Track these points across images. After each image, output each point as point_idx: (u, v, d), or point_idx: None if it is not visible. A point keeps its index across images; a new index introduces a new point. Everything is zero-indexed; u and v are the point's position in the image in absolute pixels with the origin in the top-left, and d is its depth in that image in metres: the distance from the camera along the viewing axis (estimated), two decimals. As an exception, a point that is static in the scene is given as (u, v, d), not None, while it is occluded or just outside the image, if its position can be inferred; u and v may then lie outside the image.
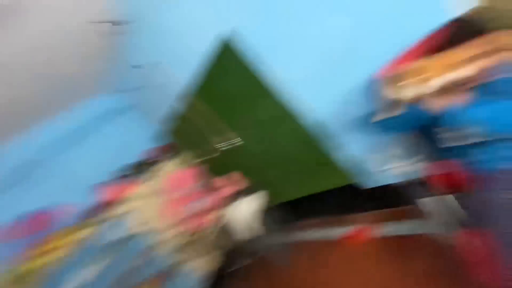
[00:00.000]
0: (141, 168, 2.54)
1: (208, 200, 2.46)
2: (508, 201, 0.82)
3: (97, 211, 2.19)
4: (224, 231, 2.36)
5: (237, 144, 2.19)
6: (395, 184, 1.57)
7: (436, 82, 0.79)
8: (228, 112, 2.10)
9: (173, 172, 2.59)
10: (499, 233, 0.81)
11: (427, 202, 1.01)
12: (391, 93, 0.88)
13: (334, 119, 1.58)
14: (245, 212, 2.19)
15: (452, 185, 1.07)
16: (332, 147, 1.70)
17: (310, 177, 1.98)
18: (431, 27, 0.96)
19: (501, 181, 0.85)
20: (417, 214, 1.54)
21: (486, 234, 0.85)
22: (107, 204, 2.24)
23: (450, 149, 0.95)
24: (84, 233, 2.06)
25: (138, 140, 2.83)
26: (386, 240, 1.67)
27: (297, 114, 1.67)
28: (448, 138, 0.93)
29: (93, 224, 2.11)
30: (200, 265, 2.44)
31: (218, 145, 2.35)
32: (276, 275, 2.06)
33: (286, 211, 2.34)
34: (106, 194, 2.30)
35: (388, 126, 1.04)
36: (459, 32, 0.82)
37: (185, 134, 2.63)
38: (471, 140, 0.87)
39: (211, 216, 2.42)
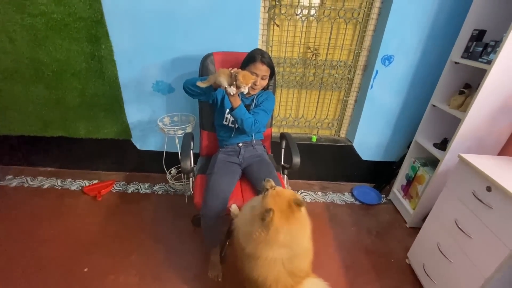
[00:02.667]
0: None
1: None
2: (217, 160, 1.49)
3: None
4: None
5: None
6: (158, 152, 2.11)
7: (245, 88, 1.24)
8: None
9: None
10: (209, 176, 1.41)
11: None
12: (222, 80, 1.22)
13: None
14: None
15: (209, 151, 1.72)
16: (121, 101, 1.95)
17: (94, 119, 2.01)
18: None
19: (221, 150, 1.56)
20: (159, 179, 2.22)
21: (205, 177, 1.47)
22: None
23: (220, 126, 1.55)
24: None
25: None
26: (121, 194, 2.07)
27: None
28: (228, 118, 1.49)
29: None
30: None
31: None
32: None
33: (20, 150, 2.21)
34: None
35: (201, 93, 1.36)
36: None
37: None
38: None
39: None
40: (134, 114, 2.01)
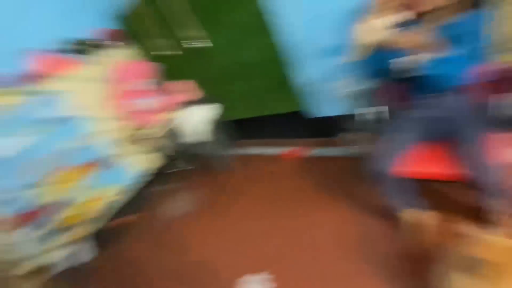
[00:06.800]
0: (84, 47, 2.23)
1: (159, 100, 2.39)
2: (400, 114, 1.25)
3: (26, 81, 1.93)
4: (172, 133, 2.40)
5: (205, 45, 2.11)
6: (331, 117, 2.03)
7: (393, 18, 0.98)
8: (204, 5, 1.94)
9: (123, 62, 2.37)
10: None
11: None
12: (363, 34, 1.03)
13: (304, 44, 1.71)
14: (196, 119, 2.27)
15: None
16: (293, 72, 1.88)
17: (267, 97, 2.13)
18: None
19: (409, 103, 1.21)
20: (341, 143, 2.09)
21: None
22: (39, 76, 1.98)
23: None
24: (9, 100, 1.84)
25: (87, 13, 2.39)
26: (310, 159, 2.18)
27: (272, 28, 1.71)
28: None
29: (20, 93, 1.88)
30: (140, 162, 2.50)
31: (184, 42, 2.21)
32: (216, 179, 2.34)
33: (233, 128, 2.53)
34: (39, 65, 2.00)
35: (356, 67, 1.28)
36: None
37: (146, 20, 2.34)
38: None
39: (160, 117, 2.40)
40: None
